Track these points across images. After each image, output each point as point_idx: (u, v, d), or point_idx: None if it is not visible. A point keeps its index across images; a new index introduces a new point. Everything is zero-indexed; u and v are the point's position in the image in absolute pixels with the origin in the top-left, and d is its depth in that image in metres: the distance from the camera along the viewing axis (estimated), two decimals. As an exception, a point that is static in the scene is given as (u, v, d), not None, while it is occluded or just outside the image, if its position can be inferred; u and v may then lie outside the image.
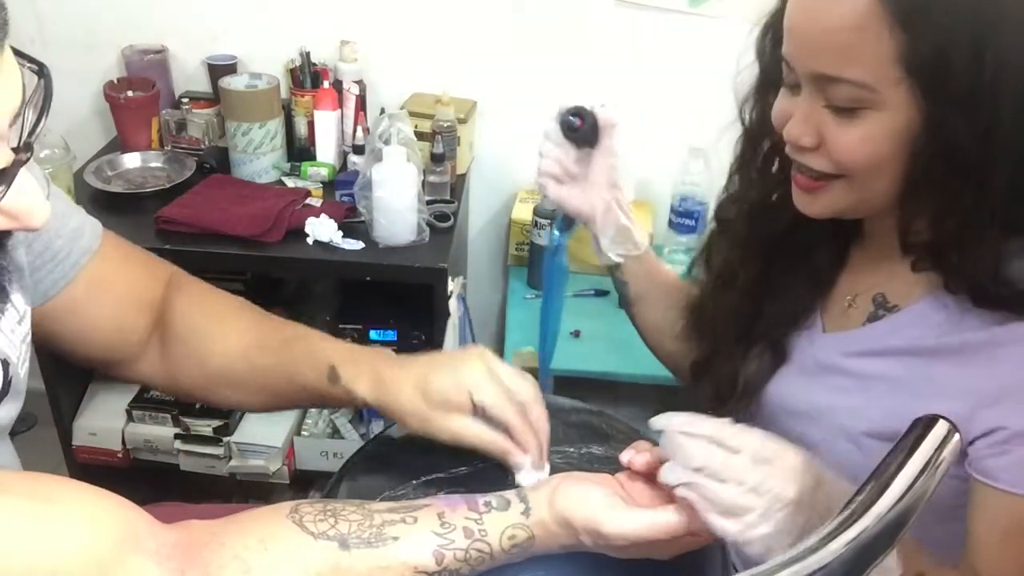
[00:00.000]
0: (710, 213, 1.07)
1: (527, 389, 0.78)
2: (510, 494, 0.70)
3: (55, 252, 0.82)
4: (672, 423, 0.66)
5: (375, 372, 0.81)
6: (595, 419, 0.90)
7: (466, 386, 0.77)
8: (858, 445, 0.81)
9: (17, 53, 0.56)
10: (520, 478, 0.76)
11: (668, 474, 0.65)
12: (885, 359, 0.82)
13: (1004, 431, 0.72)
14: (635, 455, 0.72)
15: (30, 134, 0.57)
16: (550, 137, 0.99)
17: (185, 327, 0.91)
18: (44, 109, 0.58)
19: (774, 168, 0.89)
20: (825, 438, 0.84)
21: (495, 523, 0.67)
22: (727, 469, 0.63)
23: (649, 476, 0.71)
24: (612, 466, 0.81)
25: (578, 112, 0.96)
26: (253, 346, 0.89)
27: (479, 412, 0.77)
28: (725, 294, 0.94)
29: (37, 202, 0.59)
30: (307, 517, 0.64)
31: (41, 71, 0.59)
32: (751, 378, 0.92)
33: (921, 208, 0.76)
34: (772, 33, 0.83)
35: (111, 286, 0.88)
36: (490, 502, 0.68)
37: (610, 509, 0.67)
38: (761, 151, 0.89)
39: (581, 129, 0.95)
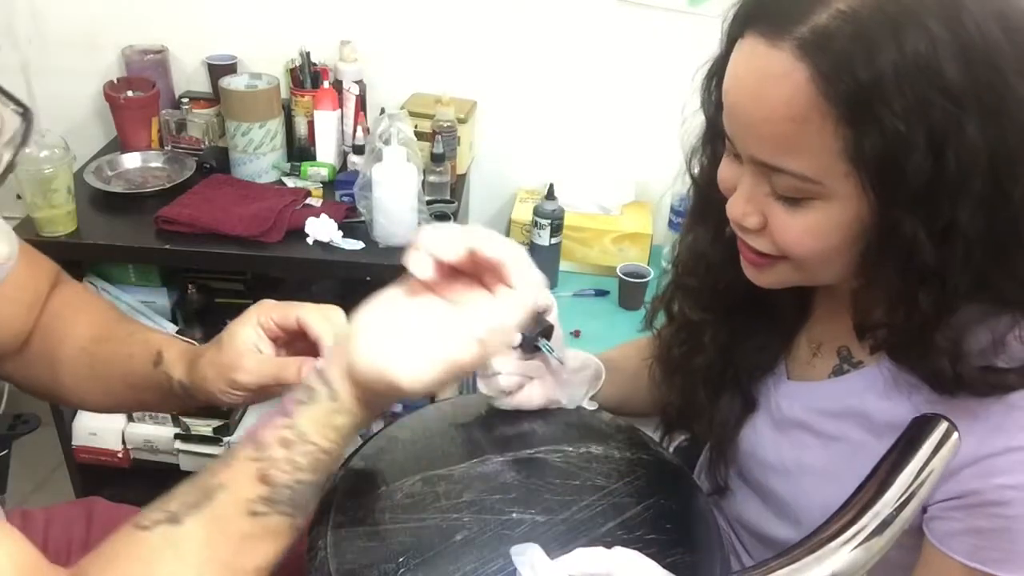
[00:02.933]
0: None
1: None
2: (311, 379, 0.64)
3: None
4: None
5: (193, 355, 0.82)
6: (594, 419, 0.90)
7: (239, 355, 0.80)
8: (824, 510, 0.77)
9: (3, 92, 0.57)
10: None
11: None
12: (847, 421, 0.78)
13: (959, 500, 0.69)
14: (416, 262, 0.62)
15: (2, 174, 0.57)
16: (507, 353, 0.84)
17: (43, 324, 0.90)
18: (19, 151, 0.58)
19: (728, 228, 0.78)
20: (795, 493, 0.82)
21: (308, 419, 0.63)
22: None
23: (448, 274, 0.64)
24: (611, 465, 0.81)
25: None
26: (96, 337, 0.89)
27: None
28: (692, 354, 0.90)
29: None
30: (143, 517, 0.62)
31: (25, 114, 0.58)
32: (723, 425, 0.90)
33: (877, 298, 0.70)
34: (717, 82, 0.74)
35: None
36: (300, 399, 0.64)
37: (399, 364, 0.60)
38: (714, 205, 0.79)
39: (529, 338, 0.84)
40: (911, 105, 0.59)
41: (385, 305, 0.64)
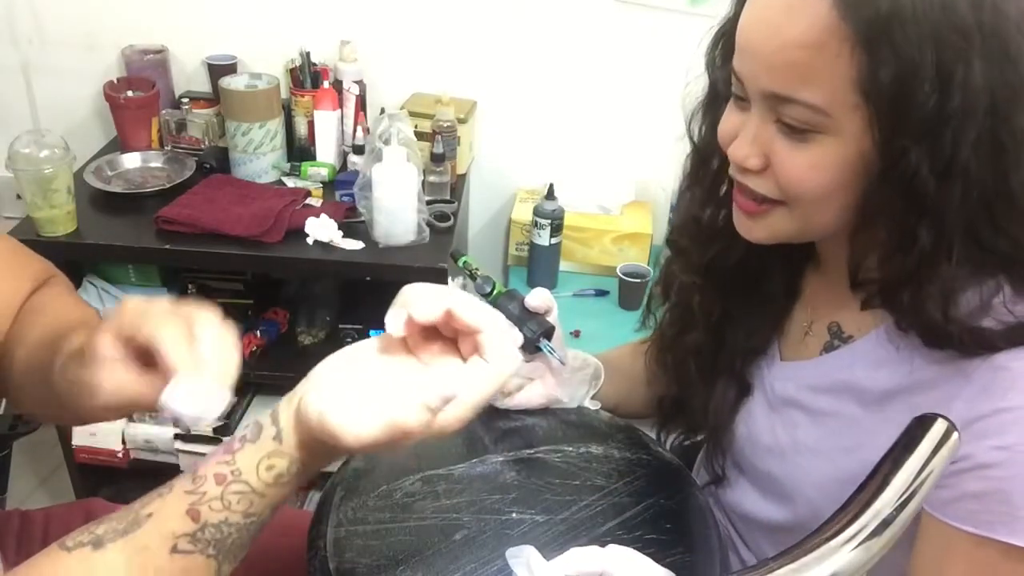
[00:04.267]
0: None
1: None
2: (264, 418, 0.61)
3: None
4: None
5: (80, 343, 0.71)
6: (594, 419, 0.90)
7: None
8: (817, 487, 0.79)
9: None
10: (167, 398, 0.62)
11: None
12: (839, 395, 0.79)
13: (952, 466, 0.68)
14: (391, 320, 0.62)
15: None
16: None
17: (13, 330, 0.82)
18: None
19: (723, 190, 0.83)
20: (788, 471, 0.83)
21: (248, 458, 0.60)
22: None
23: (423, 333, 0.63)
24: (611, 465, 0.81)
25: (523, 320, 0.84)
26: (39, 342, 0.78)
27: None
28: (685, 330, 0.92)
29: None
30: (69, 538, 0.59)
31: None
32: (719, 411, 0.91)
33: (873, 243, 0.72)
34: (723, 43, 0.77)
35: None
36: (245, 436, 0.61)
37: (340, 414, 0.57)
38: (711, 169, 0.83)
39: (530, 337, 0.84)
40: (925, 35, 0.62)
41: (351, 356, 0.63)
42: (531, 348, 0.84)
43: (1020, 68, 0.64)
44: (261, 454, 0.60)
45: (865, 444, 0.75)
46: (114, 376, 0.66)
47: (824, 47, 0.64)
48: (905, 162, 0.65)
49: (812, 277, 0.87)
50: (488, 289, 0.89)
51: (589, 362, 0.94)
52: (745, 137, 0.72)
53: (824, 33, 0.63)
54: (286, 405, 0.61)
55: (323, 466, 0.62)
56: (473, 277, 0.91)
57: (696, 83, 0.82)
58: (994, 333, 0.68)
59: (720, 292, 0.88)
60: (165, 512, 0.59)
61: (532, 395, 0.87)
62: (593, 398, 0.93)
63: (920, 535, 0.73)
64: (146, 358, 0.66)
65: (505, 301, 0.86)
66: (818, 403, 0.81)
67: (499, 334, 0.61)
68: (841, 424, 0.78)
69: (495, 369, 0.61)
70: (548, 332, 0.85)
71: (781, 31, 0.66)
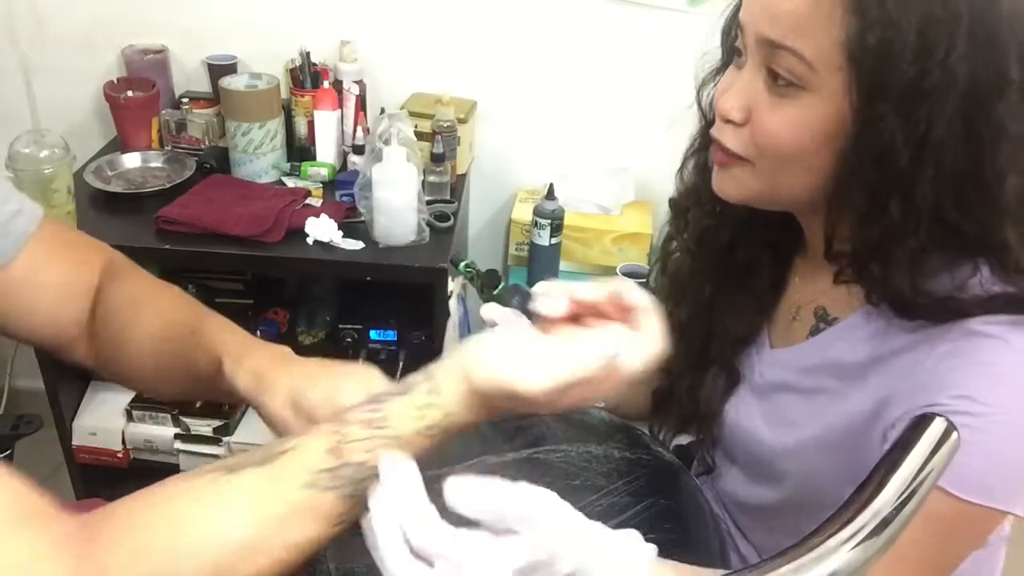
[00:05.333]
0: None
1: None
2: (417, 377, 0.63)
3: None
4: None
5: (257, 369, 0.79)
6: (594, 419, 0.90)
7: (337, 407, 0.69)
8: (803, 461, 0.81)
9: None
10: None
11: None
12: (824, 374, 0.82)
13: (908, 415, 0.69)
14: (551, 302, 0.65)
15: None
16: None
17: (108, 315, 0.91)
18: None
19: None
20: (775, 450, 0.84)
21: (399, 408, 0.61)
22: None
23: (571, 319, 0.66)
24: (611, 465, 0.82)
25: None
26: (159, 336, 0.88)
27: None
28: (676, 304, 0.93)
29: None
30: (205, 467, 0.61)
31: None
32: (709, 401, 0.92)
33: (845, 213, 0.74)
34: (738, 9, 0.81)
35: (46, 271, 0.89)
36: (389, 392, 0.63)
37: (519, 370, 0.60)
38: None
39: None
40: (915, 6, 0.65)
41: (501, 331, 0.66)
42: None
43: (1004, 60, 0.66)
44: (414, 404, 0.61)
45: (843, 412, 0.77)
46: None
47: (819, 4, 0.68)
48: (879, 130, 0.68)
49: (799, 263, 0.89)
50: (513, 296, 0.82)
51: None
52: (734, 90, 0.76)
53: None
54: (441, 365, 0.63)
55: (474, 424, 0.63)
56: (477, 277, 0.87)
57: (710, 57, 0.87)
58: (967, 301, 0.70)
59: (711, 271, 0.90)
60: (305, 447, 0.60)
61: None
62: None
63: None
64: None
65: (511, 295, 0.77)
66: (805, 383, 0.83)
67: (657, 314, 0.65)
68: (827, 398, 0.80)
69: (651, 342, 0.63)
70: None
71: None
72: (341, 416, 0.62)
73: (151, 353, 0.88)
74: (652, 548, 0.62)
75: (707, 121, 0.87)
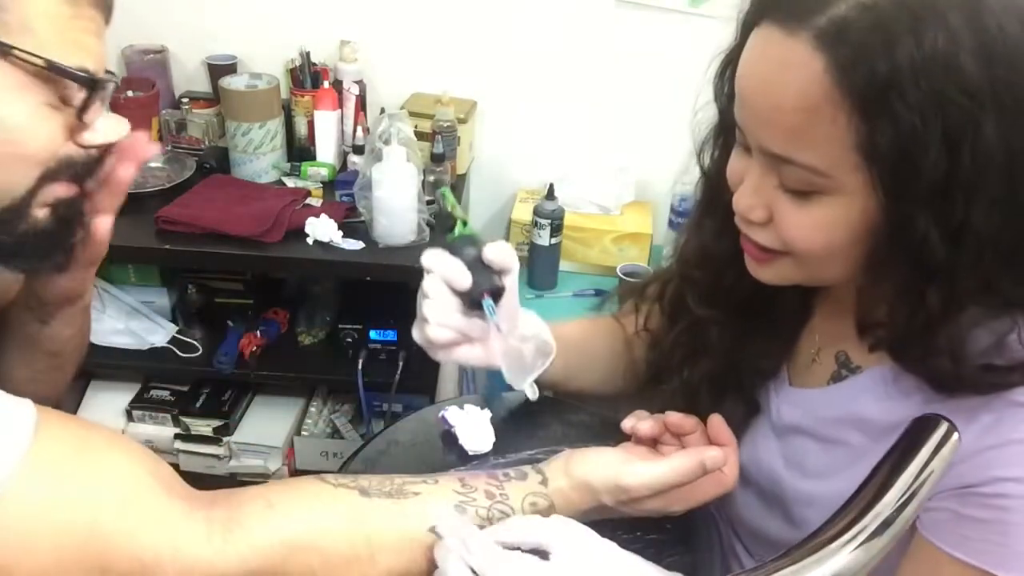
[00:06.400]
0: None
1: None
2: (526, 468, 0.73)
3: None
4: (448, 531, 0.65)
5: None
6: (594, 419, 0.90)
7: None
8: (823, 513, 0.78)
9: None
10: None
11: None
12: (847, 426, 0.77)
13: (954, 491, 0.67)
14: (637, 422, 0.77)
15: None
16: (436, 297, 0.79)
17: None
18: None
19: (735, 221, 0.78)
20: (794, 496, 0.81)
21: (515, 490, 0.70)
22: None
23: (651, 442, 0.78)
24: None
25: (471, 265, 0.78)
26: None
27: None
28: (695, 352, 0.88)
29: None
30: (328, 477, 0.68)
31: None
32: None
33: (881, 297, 0.70)
34: (730, 72, 0.73)
35: None
36: (508, 473, 0.72)
37: (626, 464, 0.71)
38: (723, 200, 0.76)
39: (475, 291, 0.78)
40: (927, 100, 0.58)
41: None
42: (472, 304, 0.78)
43: None
44: (527, 491, 0.71)
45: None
46: None
47: (819, 111, 0.61)
48: (912, 226, 0.62)
49: (820, 303, 0.84)
50: (472, 252, 0.81)
51: (542, 339, 0.89)
52: (748, 187, 0.70)
53: (818, 98, 0.61)
54: (549, 465, 0.73)
55: (571, 513, 0.70)
56: (452, 226, 0.85)
57: (704, 111, 0.80)
58: (1008, 370, 0.65)
59: (735, 319, 0.85)
60: (433, 498, 0.68)
61: (469, 356, 0.82)
62: (536, 381, 0.88)
63: (908, 554, 0.71)
64: None
65: (463, 244, 0.79)
66: (826, 431, 0.79)
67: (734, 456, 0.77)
68: (849, 452, 0.77)
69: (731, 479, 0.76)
70: (496, 292, 0.78)
71: (775, 91, 0.63)
72: (462, 478, 0.70)
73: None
74: None
75: (711, 186, 0.82)
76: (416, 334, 0.82)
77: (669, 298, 0.93)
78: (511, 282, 0.81)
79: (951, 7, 0.59)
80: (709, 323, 0.87)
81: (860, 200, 0.64)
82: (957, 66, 0.58)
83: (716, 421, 0.78)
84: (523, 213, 1.89)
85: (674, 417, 0.78)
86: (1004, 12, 0.59)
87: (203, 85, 1.94)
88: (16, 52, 0.58)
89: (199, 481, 0.63)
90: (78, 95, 0.63)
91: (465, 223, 0.84)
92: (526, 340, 0.85)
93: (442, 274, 0.78)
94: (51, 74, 0.60)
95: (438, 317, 0.79)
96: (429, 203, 1.68)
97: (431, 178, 1.75)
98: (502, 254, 0.79)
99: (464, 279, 0.77)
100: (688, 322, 0.89)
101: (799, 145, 0.63)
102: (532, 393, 0.86)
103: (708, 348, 0.87)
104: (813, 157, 0.63)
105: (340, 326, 1.77)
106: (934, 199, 0.61)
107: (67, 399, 1.81)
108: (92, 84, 0.63)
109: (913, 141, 0.59)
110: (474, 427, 0.84)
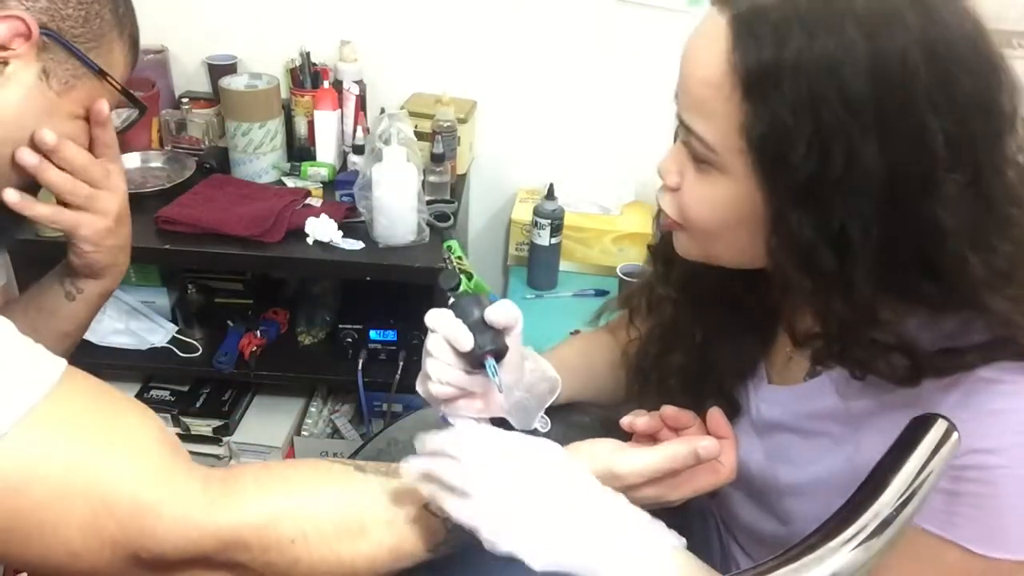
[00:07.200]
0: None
1: None
2: None
3: None
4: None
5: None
6: (594, 419, 0.90)
7: None
8: (811, 505, 0.77)
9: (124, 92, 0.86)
10: None
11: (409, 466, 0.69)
12: (825, 419, 0.78)
13: None
14: (635, 419, 0.79)
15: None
16: (439, 356, 0.79)
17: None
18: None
19: None
20: (780, 492, 0.81)
21: None
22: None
23: (651, 439, 0.79)
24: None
25: (474, 327, 0.78)
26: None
27: None
28: (668, 349, 0.89)
29: None
30: (328, 459, 0.73)
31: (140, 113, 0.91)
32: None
33: (804, 307, 0.71)
34: None
35: None
36: None
37: (620, 451, 0.74)
38: None
39: (477, 351, 0.78)
40: (804, 100, 0.61)
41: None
42: (474, 363, 0.79)
43: (928, 152, 0.60)
44: None
45: (852, 458, 0.74)
46: None
47: (719, 88, 0.65)
48: (786, 222, 0.64)
49: (788, 305, 0.83)
50: (453, 284, 0.86)
51: (547, 376, 0.90)
52: (671, 153, 0.74)
53: (719, 75, 0.65)
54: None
55: None
56: (445, 267, 0.86)
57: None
58: (964, 351, 0.65)
59: (700, 311, 0.86)
60: None
61: (470, 409, 0.82)
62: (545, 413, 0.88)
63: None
64: None
65: (467, 303, 0.79)
66: (806, 425, 0.80)
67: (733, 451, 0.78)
68: (831, 442, 0.77)
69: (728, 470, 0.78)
70: (499, 352, 0.78)
71: (695, 63, 0.68)
72: None
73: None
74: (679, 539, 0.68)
75: None
76: (420, 388, 0.83)
77: (646, 297, 0.94)
78: (515, 338, 0.81)
79: (856, 22, 0.61)
80: (672, 307, 0.89)
81: (744, 185, 0.67)
82: (840, 73, 0.60)
83: (715, 414, 0.80)
84: (523, 213, 1.89)
85: (670, 410, 0.79)
86: (914, 45, 0.60)
87: (203, 85, 1.94)
88: (109, 79, 0.84)
89: (199, 481, 0.64)
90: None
91: (471, 276, 0.84)
92: (532, 387, 0.86)
93: (444, 335, 0.78)
94: (122, 98, 0.87)
95: (440, 375, 0.80)
96: (429, 203, 1.68)
97: (431, 178, 1.75)
98: (505, 315, 0.79)
99: (466, 341, 0.77)
100: (658, 314, 0.91)
101: (699, 116, 0.68)
102: (543, 427, 0.87)
103: (677, 342, 0.89)
104: (706, 130, 0.67)
105: (340, 326, 1.77)
106: (806, 199, 0.63)
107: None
108: (143, 110, 0.90)
109: (784, 134, 0.62)
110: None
